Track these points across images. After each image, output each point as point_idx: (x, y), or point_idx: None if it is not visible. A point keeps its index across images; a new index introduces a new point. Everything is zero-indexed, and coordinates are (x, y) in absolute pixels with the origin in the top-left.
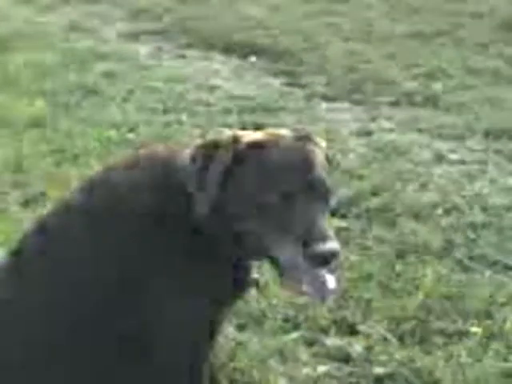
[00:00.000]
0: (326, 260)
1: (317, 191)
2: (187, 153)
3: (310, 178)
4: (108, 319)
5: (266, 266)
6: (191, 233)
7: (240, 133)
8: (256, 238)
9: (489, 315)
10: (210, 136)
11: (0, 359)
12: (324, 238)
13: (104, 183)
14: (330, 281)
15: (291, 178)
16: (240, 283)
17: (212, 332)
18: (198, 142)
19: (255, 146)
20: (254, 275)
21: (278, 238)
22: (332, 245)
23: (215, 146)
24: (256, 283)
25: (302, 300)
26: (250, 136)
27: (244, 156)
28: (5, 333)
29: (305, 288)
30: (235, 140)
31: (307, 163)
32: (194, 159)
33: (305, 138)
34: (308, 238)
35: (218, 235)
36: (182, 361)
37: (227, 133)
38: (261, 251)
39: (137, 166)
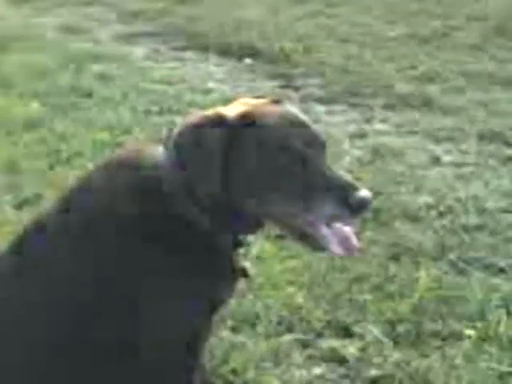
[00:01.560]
0: (365, 206)
1: (321, 145)
2: (160, 146)
3: (314, 133)
4: (105, 319)
5: (260, 266)
6: (183, 232)
7: (219, 109)
8: (279, 206)
9: (483, 317)
10: (187, 119)
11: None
12: (357, 187)
13: (101, 184)
14: (352, 236)
15: (301, 138)
16: (230, 274)
17: (205, 332)
18: (179, 126)
19: (246, 117)
20: (242, 263)
21: (309, 199)
22: (366, 191)
23: (201, 124)
24: (244, 272)
25: (296, 302)
26: (233, 110)
27: (241, 128)
28: (4, 332)
29: (330, 245)
30: (221, 116)
31: (303, 121)
32: (184, 141)
33: (279, 101)
34: (343, 190)
35: (214, 228)
36: (173, 362)
37: (202, 112)
38: (285, 218)
39: (128, 166)
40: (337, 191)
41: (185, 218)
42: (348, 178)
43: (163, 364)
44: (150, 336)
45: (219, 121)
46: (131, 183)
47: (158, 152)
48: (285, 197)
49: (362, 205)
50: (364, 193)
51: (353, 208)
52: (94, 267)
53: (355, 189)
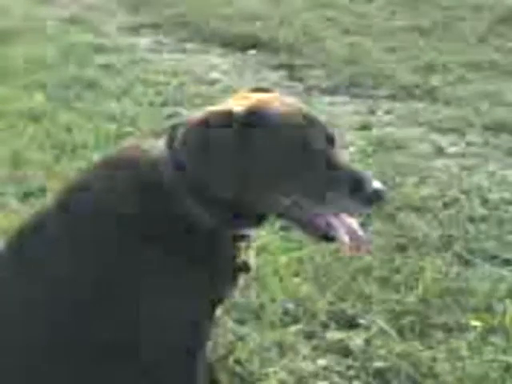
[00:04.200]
0: (380, 198)
1: (332, 137)
2: (162, 143)
3: (324, 127)
4: (105, 319)
5: (265, 258)
6: (184, 231)
7: (225, 105)
8: (291, 202)
9: (488, 309)
10: (193, 117)
11: None
12: (370, 179)
13: (101, 183)
14: (360, 230)
15: (312, 131)
16: (231, 271)
17: (207, 330)
18: (186, 124)
19: (255, 113)
20: (244, 258)
21: (323, 193)
22: (378, 183)
23: (209, 124)
24: (246, 267)
25: (301, 293)
26: (239, 105)
27: (250, 125)
28: (3, 332)
29: (342, 237)
30: (229, 114)
31: (311, 115)
32: (191, 142)
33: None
34: (357, 183)
35: (216, 226)
36: (174, 361)
37: (208, 109)
38: (297, 213)
39: (124, 166)
40: (350, 184)
41: (186, 217)
42: (361, 170)
43: (164, 364)
44: (150, 336)
45: (227, 119)
46: (132, 182)
47: (160, 149)
48: (298, 193)
49: (377, 197)
50: (377, 185)
51: (367, 200)
52: (94, 267)
53: (369, 181)
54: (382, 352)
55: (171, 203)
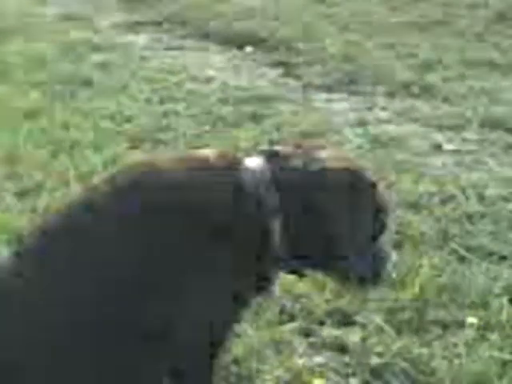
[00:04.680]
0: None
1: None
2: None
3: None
4: (138, 315)
5: None
6: (255, 242)
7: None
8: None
9: (485, 306)
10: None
11: (17, 364)
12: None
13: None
14: None
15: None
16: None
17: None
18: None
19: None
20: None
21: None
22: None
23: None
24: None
25: (298, 291)
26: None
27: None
28: (27, 332)
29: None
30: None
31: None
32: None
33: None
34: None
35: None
36: (202, 359)
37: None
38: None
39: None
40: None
41: (264, 235)
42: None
43: (188, 357)
44: (183, 334)
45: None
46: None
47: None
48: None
49: (382, 275)
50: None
51: (377, 276)
52: (141, 266)
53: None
54: (379, 349)
55: (259, 217)
